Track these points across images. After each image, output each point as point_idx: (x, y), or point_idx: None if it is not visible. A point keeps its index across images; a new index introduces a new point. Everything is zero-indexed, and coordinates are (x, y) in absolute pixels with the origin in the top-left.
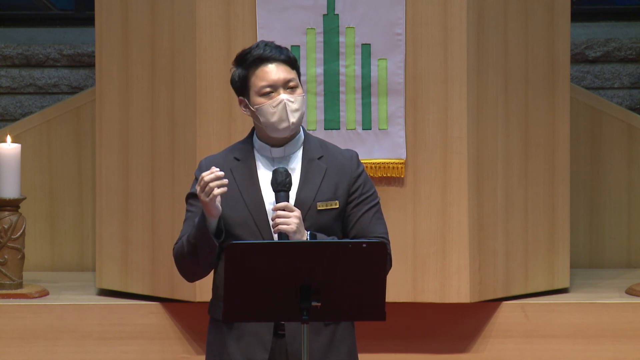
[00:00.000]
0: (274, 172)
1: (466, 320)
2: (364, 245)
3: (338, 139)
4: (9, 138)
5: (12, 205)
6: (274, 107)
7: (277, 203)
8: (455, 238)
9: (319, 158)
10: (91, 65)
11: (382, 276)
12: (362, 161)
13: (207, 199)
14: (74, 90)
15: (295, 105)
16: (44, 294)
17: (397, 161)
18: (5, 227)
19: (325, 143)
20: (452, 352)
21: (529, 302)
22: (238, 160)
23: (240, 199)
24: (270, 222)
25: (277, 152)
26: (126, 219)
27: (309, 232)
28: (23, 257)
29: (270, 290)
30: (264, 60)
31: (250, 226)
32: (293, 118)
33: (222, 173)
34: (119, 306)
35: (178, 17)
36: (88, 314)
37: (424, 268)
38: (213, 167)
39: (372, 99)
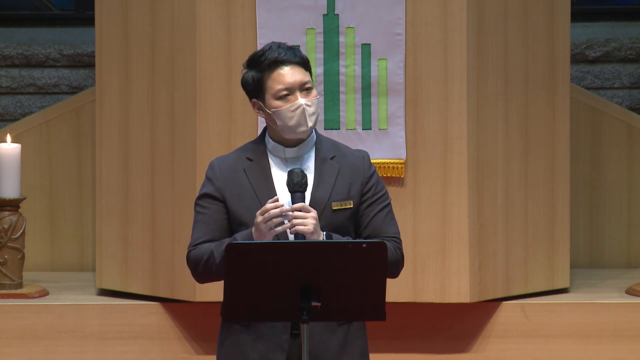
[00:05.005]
0: (290, 173)
1: (466, 320)
2: (364, 245)
3: (338, 139)
4: (9, 138)
5: (12, 205)
6: (292, 111)
7: (293, 204)
8: (455, 238)
9: (331, 158)
10: (91, 65)
11: (382, 276)
12: None
13: (268, 231)
14: (74, 90)
15: (312, 109)
16: (44, 294)
17: (397, 161)
18: (5, 227)
19: (336, 143)
20: (452, 352)
21: (529, 302)
22: (251, 160)
23: (255, 200)
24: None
25: (290, 152)
26: (126, 219)
27: (324, 233)
28: (23, 257)
29: (271, 290)
30: (279, 63)
31: None
32: (311, 122)
33: (286, 208)
34: (119, 306)
35: (178, 17)
36: (88, 314)
37: (424, 268)
38: (277, 198)
39: (372, 99)
